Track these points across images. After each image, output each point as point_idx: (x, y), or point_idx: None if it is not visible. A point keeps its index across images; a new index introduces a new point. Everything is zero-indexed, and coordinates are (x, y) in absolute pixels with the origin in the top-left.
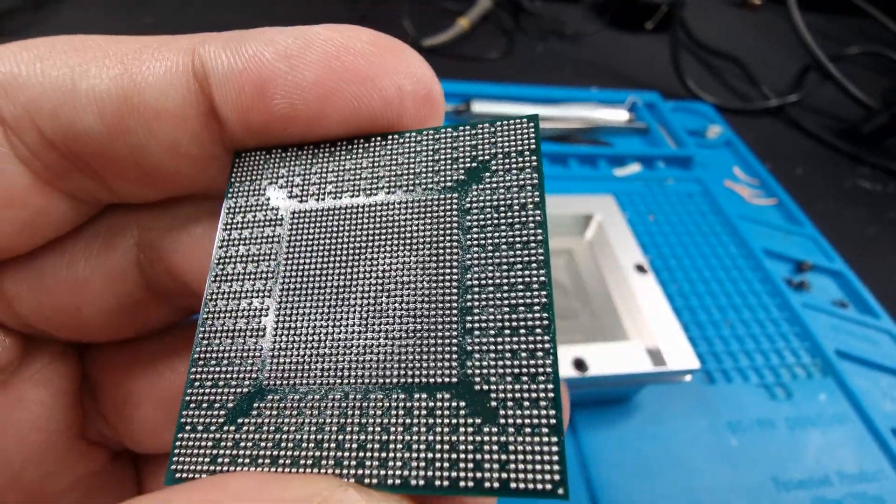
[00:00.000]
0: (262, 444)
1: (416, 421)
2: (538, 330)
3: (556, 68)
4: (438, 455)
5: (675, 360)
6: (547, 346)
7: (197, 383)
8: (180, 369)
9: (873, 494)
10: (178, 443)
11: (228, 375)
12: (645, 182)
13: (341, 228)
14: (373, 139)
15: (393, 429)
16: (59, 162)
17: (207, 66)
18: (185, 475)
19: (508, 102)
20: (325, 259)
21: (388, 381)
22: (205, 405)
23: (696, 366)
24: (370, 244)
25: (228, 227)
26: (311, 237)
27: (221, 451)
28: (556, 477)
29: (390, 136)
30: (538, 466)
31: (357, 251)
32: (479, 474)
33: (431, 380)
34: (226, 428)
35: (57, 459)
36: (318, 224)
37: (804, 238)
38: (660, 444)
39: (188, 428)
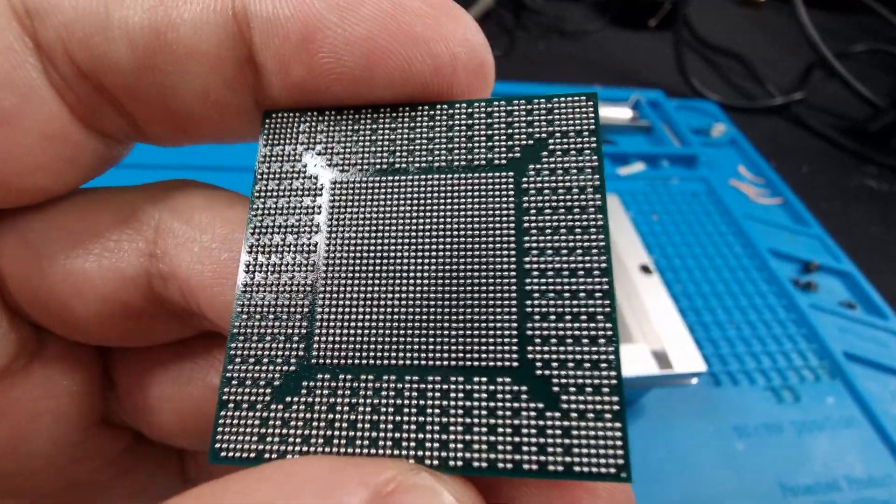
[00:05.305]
0: (314, 423)
1: (476, 404)
2: (599, 317)
3: (559, 66)
4: (501, 438)
5: (681, 363)
6: (609, 333)
7: (238, 359)
8: (198, 378)
9: (882, 499)
10: (220, 420)
11: (272, 352)
12: (649, 181)
13: (388, 201)
14: (419, 108)
15: (453, 411)
16: (91, 95)
17: (250, 9)
18: (231, 454)
19: None
20: (373, 233)
21: (445, 363)
22: (248, 382)
23: (702, 368)
24: (422, 220)
25: (262, 194)
26: (355, 209)
27: (269, 430)
28: (620, 461)
29: (438, 106)
30: (602, 451)
31: (407, 227)
32: (542, 458)
33: (491, 363)
34: (273, 406)
35: (85, 444)
36: (362, 195)
37: (811, 238)
38: (665, 448)
39: (231, 406)
